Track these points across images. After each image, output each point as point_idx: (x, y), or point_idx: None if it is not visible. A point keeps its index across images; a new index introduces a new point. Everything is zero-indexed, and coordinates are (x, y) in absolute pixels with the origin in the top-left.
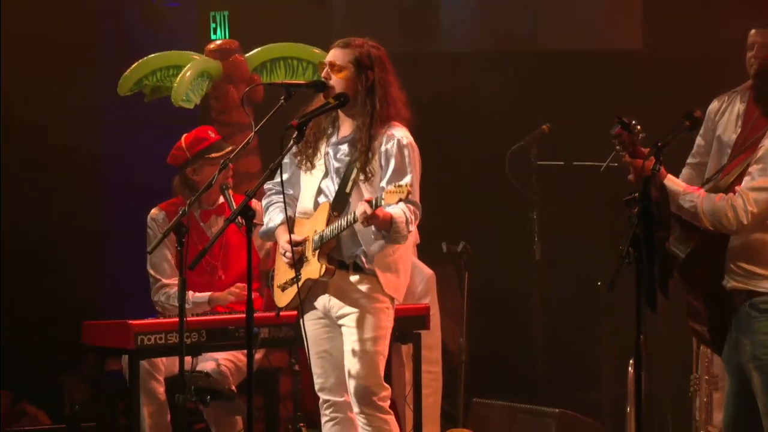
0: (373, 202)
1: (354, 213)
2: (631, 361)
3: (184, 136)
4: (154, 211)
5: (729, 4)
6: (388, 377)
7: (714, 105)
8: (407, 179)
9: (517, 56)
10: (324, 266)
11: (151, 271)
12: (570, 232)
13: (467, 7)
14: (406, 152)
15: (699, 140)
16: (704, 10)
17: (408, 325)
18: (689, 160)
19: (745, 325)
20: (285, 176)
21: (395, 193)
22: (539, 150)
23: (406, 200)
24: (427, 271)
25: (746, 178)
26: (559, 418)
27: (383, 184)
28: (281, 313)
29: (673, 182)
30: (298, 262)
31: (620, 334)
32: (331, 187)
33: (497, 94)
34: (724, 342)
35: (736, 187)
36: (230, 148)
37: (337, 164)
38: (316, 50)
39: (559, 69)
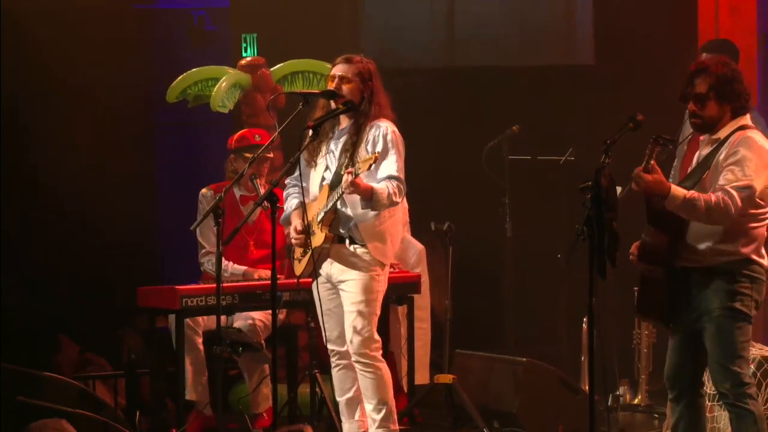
0: (354, 171)
1: (341, 185)
2: (584, 320)
3: (241, 131)
4: (204, 190)
5: (673, 23)
6: (386, 332)
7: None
8: (389, 156)
9: (488, 71)
10: (325, 234)
11: (200, 239)
12: (535, 213)
13: (451, 29)
14: (389, 138)
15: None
16: (651, 28)
17: (403, 290)
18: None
19: (699, 286)
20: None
21: (367, 160)
22: (510, 147)
23: (389, 176)
24: (419, 246)
25: (729, 176)
26: (526, 366)
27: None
28: (300, 281)
29: (678, 190)
30: (306, 239)
31: (576, 297)
32: (330, 174)
33: (475, 102)
34: (675, 310)
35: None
36: (264, 154)
37: (336, 156)
38: (328, 65)
39: (524, 81)
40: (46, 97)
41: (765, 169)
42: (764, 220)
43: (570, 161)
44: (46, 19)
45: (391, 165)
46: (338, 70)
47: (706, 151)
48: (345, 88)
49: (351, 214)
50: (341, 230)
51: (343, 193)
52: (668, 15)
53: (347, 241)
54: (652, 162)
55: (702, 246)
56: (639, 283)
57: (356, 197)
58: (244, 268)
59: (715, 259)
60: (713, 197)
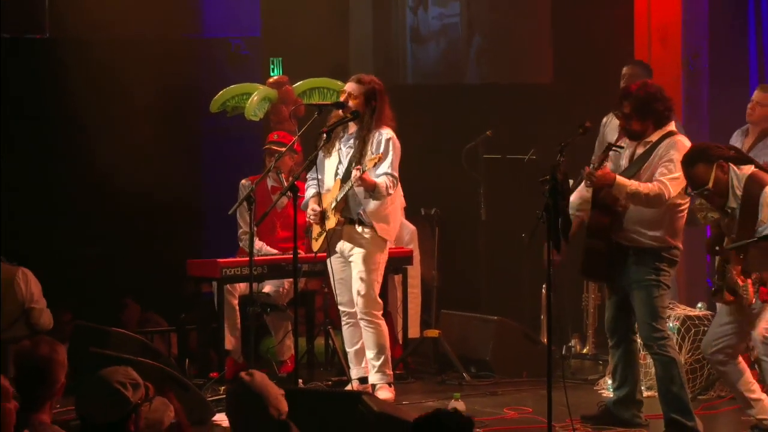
0: (361, 168)
1: (350, 179)
2: (543, 285)
3: (270, 133)
4: (243, 180)
5: (614, 50)
6: (386, 296)
7: (604, 120)
8: (388, 158)
9: (460, 87)
10: (337, 218)
11: (239, 220)
12: (505, 201)
13: (434, 50)
14: (389, 143)
15: (597, 145)
16: (605, 49)
17: (399, 263)
18: (593, 159)
19: (632, 260)
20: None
21: (372, 159)
22: (485, 148)
23: (386, 173)
24: (412, 227)
25: (663, 170)
26: (497, 323)
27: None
28: (317, 255)
29: (622, 180)
30: (322, 220)
31: (537, 268)
32: (342, 170)
33: (457, 113)
34: (612, 275)
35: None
36: (279, 148)
37: (346, 155)
38: (339, 83)
39: (496, 96)
40: (115, 108)
41: None
42: (684, 211)
43: (532, 160)
44: (115, 46)
45: (388, 164)
46: (349, 87)
47: (641, 150)
48: (352, 103)
49: (361, 201)
50: (352, 214)
51: (352, 185)
52: (611, 43)
53: (356, 223)
54: (605, 163)
55: (637, 230)
56: (583, 252)
57: (362, 189)
58: (275, 251)
59: (647, 243)
60: (651, 187)
